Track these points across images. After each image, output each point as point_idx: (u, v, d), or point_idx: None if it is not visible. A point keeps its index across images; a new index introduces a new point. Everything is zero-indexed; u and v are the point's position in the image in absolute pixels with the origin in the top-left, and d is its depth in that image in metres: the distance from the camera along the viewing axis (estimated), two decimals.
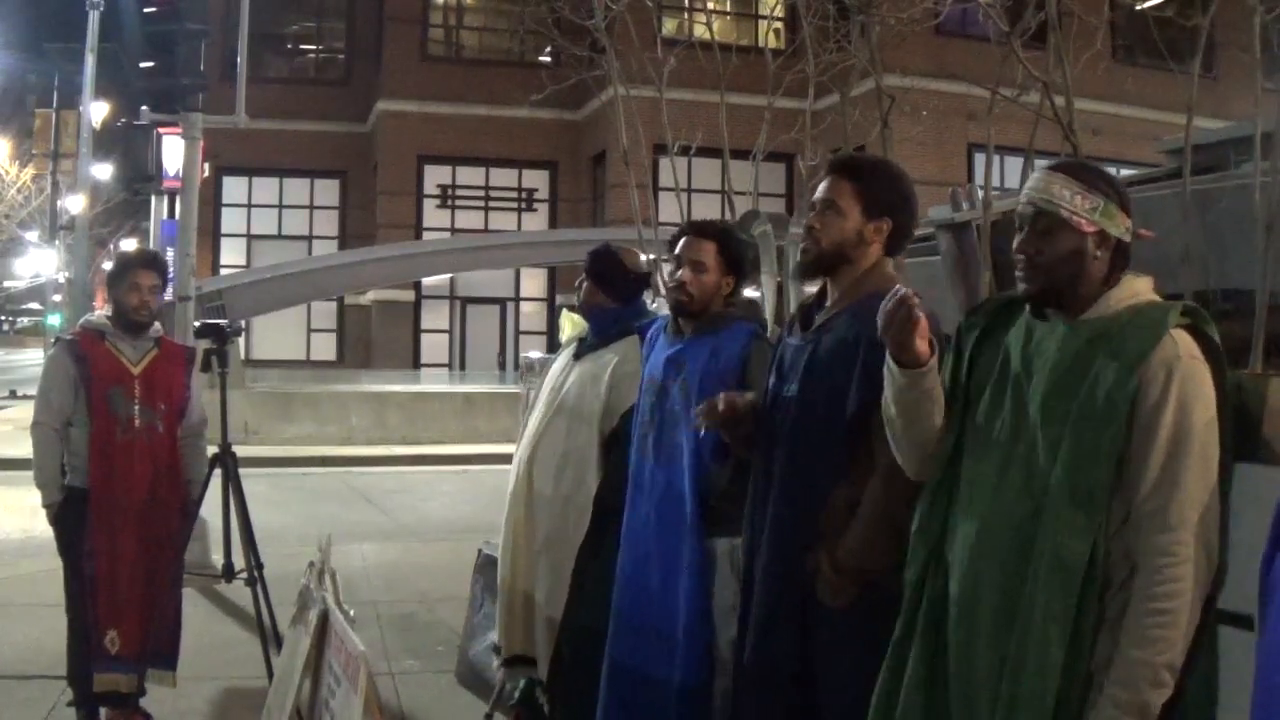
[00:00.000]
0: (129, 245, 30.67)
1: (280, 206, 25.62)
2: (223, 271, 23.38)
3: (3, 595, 6.11)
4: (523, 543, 3.67)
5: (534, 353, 12.69)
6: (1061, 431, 1.96)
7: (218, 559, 5.55)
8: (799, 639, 2.48)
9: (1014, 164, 7.47)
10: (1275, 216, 3.54)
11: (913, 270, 2.95)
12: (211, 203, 23.03)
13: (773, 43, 15.54)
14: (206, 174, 15.20)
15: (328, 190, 25.93)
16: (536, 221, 24.50)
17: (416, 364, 23.68)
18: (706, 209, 15.52)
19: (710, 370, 3.01)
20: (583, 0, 7.82)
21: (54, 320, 30.64)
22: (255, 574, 4.85)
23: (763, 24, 20.52)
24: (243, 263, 24.39)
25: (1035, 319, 2.11)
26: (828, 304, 2.63)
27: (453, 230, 23.80)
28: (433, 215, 24.17)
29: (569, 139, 23.84)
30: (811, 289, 4.46)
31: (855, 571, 2.36)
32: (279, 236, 25.39)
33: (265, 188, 25.38)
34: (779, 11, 16.53)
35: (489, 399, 15.39)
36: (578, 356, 3.72)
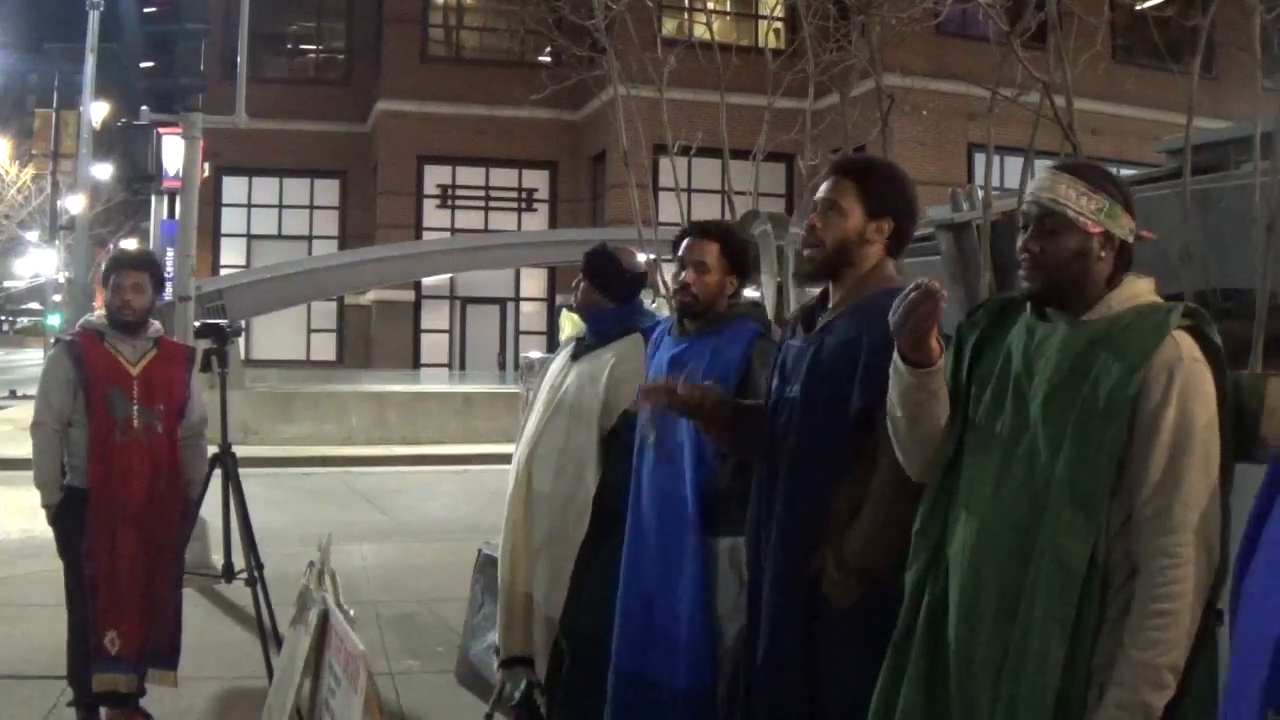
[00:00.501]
0: (129, 245, 30.69)
1: (280, 206, 25.64)
2: (223, 271, 23.40)
3: (3, 595, 6.11)
4: (522, 543, 3.67)
5: (534, 353, 12.69)
6: (1063, 432, 1.96)
7: (218, 559, 5.55)
8: (807, 640, 2.48)
9: (1014, 164, 7.47)
10: (1275, 216, 3.54)
11: (913, 270, 2.94)
12: (211, 203, 23.05)
13: (773, 43, 15.54)
14: (206, 174, 15.21)
15: (328, 190, 25.95)
16: (536, 221, 24.51)
17: (416, 364, 23.69)
18: (706, 209, 15.52)
19: (712, 369, 3.01)
20: (583, 0, 7.82)
21: (54, 320, 30.64)
22: (255, 574, 4.85)
23: (763, 24, 20.52)
24: (243, 263, 24.40)
25: (1036, 319, 2.11)
26: (830, 305, 2.63)
27: (453, 230, 23.81)
28: (433, 215, 24.19)
29: (569, 139, 23.85)
30: (813, 291, 4.47)
31: (860, 571, 2.36)
32: (279, 236, 25.40)
33: (265, 188, 25.39)
34: (779, 11, 16.53)
35: (489, 399, 15.39)
36: (575, 356, 3.72)
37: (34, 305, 53.98)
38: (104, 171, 27.07)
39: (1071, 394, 1.97)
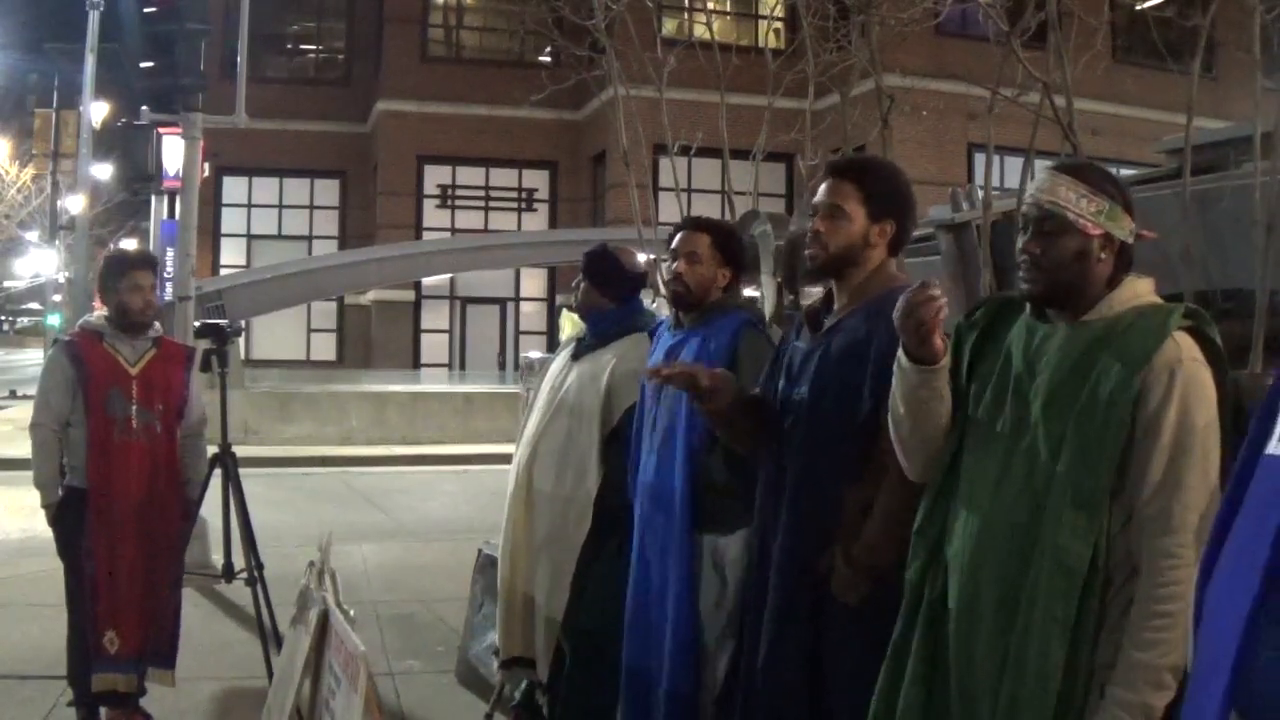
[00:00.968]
0: (129, 245, 30.64)
1: (280, 206, 25.63)
2: (223, 271, 23.39)
3: (3, 595, 6.11)
4: (523, 544, 3.67)
5: (534, 353, 12.69)
6: (1063, 433, 1.96)
7: (218, 559, 5.55)
8: (812, 640, 2.48)
9: (1014, 164, 7.47)
10: (1275, 216, 3.54)
11: (912, 270, 2.95)
12: (211, 203, 23.04)
13: (773, 43, 15.53)
14: (206, 174, 15.20)
15: (328, 190, 25.94)
16: (536, 221, 24.50)
17: (416, 364, 23.68)
18: (706, 209, 15.46)
19: (701, 357, 3.04)
20: (583, 0, 7.82)
21: (54, 320, 30.63)
22: (255, 574, 4.85)
23: (763, 24, 20.51)
24: (243, 263, 24.40)
25: (1036, 319, 2.11)
26: (835, 307, 2.63)
27: (453, 230, 23.80)
28: (433, 215, 24.18)
29: (569, 139, 23.84)
30: (812, 288, 4.46)
31: (869, 568, 2.36)
32: (279, 236, 25.39)
33: (265, 188, 25.38)
34: (779, 11, 16.53)
35: (489, 399, 15.38)
36: (576, 357, 3.73)
37: (34, 305, 53.97)
38: (104, 171, 27.07)
39: (1072, 394, 1.97)
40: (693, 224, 3.30)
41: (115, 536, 3.99)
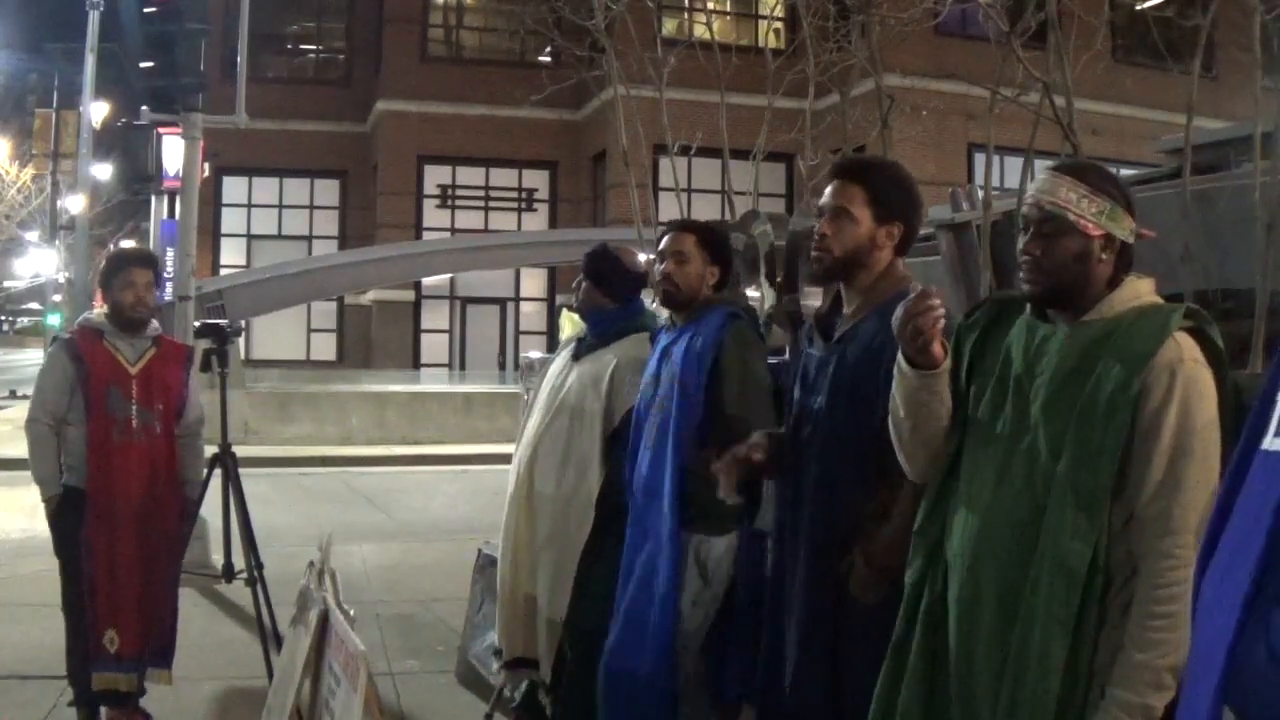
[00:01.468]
0: (129, 245, 30.62)
1: (280, 206, 25.62)
2: (223, 271, 23.38)
3: (3, 595, 6.11)
4: (524, 545, 3.67)
5: (534, 353, 12.68)
6: (1064, 433, 1.96)
7: (218, 559, 5.55)
8: (836, 644, 2.49)
9: (1014, 164, 7.47)
10: (1275, 216, 3.54)
11: (912, 270, 2.94)
12: (211, 203, 23.03)
13: (773, 43, 15.53)
14: (206, 174, 15.19)
15: (328, 190, 25.93)
16: (536, 221, 24.50)
17: (416, 364, 23.68)
18: (706, 209, 15.51)
19: (689, 354, 3.07)
20: (583, 0, 7.82)
21: (54, 320, 30.63)
22: (255, 574, 4.85)
23: (763, 24, 20.51)
24: (243, 263, 24.39)
25: (1037, 319, 2.11)
26: (845, 311, 2.61)
27: (453, 230, 23.80)
28: (433, 215, 24.18)
29: (569, 139, 23.84)
30: (812, 288, 4.45)
31: (887, 569, 2.36)
32: (279, 236, 25.39)
33: (265, 188, 25.37)
34: (779, 11, 16.52)
35: (489, 399, 15.39)
36: (576, 357, 3.72)
37: (34, 305, 53.95)
38: (104, 171, 27.05)
39: (1072, 395, 1.97)
40: (679, 225, 3.36)
41: (115, 536, 3.99)
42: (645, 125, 7.41)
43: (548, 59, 20.68)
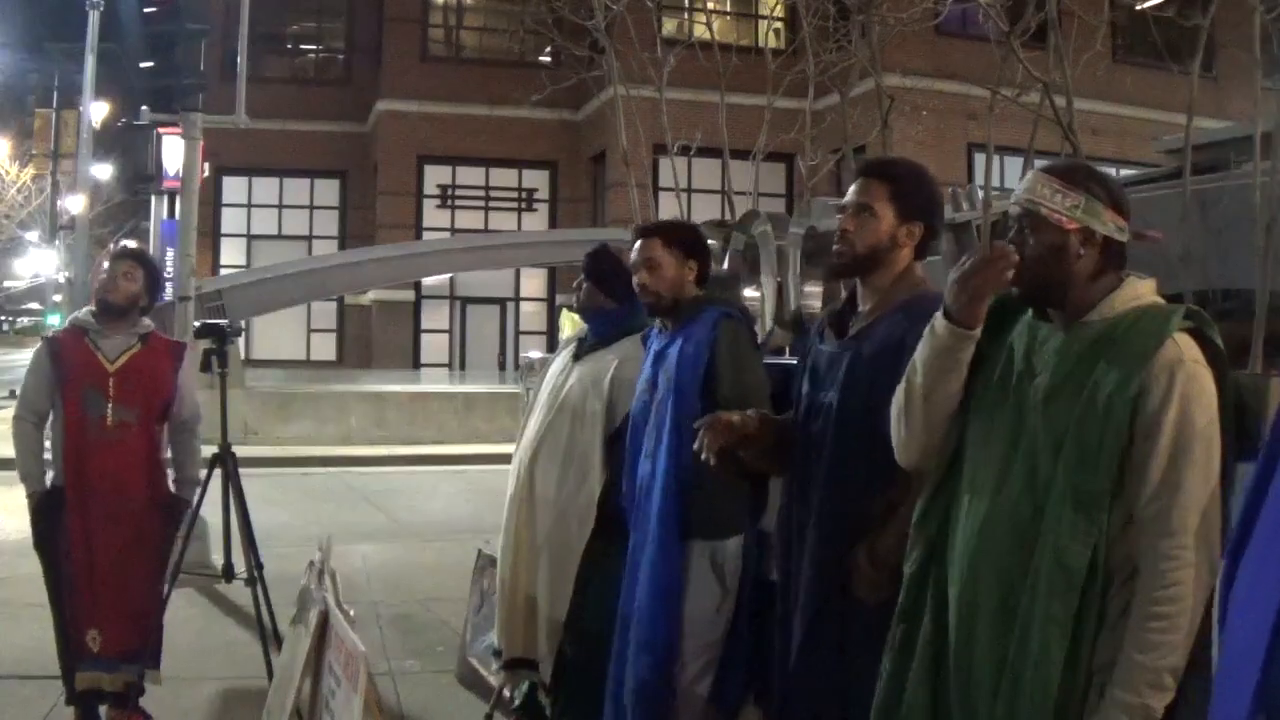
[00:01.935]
0: (129, 244, 30.54)
1: (280, 206, 25.61)
2: (223, 271, 23.37)
3: (3, 595, 6.10)
4: (524, 545, 3.66)
5: (534, 353, 12.70)
6: (1063, 434, 1.96)
7: (218, 559, 5.55)
8: (842, 643, 2.49)
9: (1014, 164, 7.47)
10: (1275, 216, 3.54)
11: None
12: (211, 203, 23.02)
13: (773, 43, 15.53)
14: (206, 174, 15.20)
15: (328, 190, 25.93)
16: (536, 221, 24.50)
17: (416, 364, 23.67)
18: (706, 209, 15.51)
19: (684, 356, 3.05)
20: (583, 0, 7.82)
21: (54, 320, 30.65)
22: (255, 574, 4.85)
23: (763, 24, 20.51)
24: (243, 263, 24.38)
25: (1038, 319, 2.11)
26: (861, 309, 2.61)
27: (453, 230, 23.80)
28: (433, 215, 24.17)
29: (569, 139, 23.84)
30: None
31: (894, 569, 2.36)
32: (279, 236, 25.38)
33: (265, 188, 25.37)
34: (779, 11, 16.52)
35: (489, 399, 15.37)
36: (577, 357, 3.72)
37: (34, 305, 53.96)
38: (104, 171, 27.07)
39: (1072, 395, 1.97)
40: (640, 232, 3.30)
41: (91, 535, 3.94)
42: (645, 125, 7.42)
43: (548, 59, 20.70)
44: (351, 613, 2.64)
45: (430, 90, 23.56)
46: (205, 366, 5.08)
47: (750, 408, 2.87)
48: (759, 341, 3.41)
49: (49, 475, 4.04)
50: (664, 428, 3.06)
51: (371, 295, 23.40)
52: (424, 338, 24.24)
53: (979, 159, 18.67)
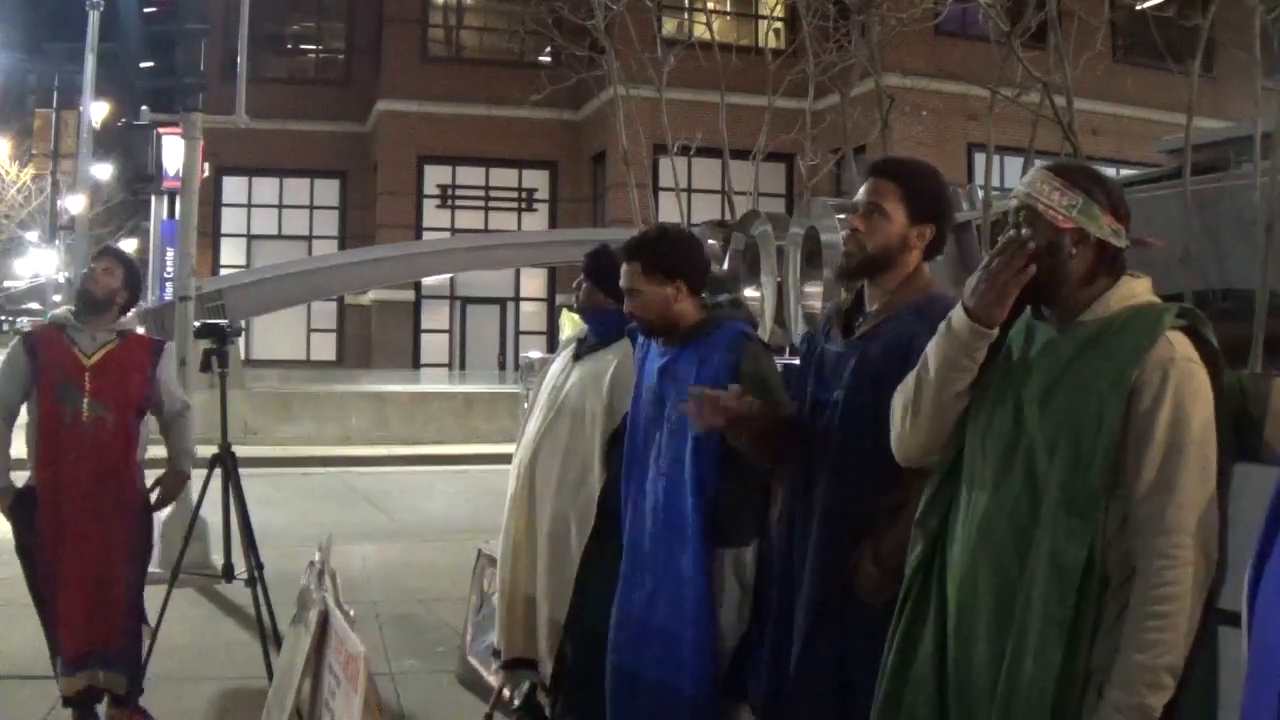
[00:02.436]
0: (129, 245, 30.61)
1: (280, 206, 25.63)
2: (223, 271, 23.38)
3: (3, 595, 6.10)
4: (524, 546, 3.66)
5: (534, 353, 12.67)
6: (1057, 433, 1.95)
7: (218, 559, 5.55)
8: (843, 643, 2.48)
9: (1014, 164, 7.47)
10: (1275, 216, 3.54)
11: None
12: (211, 203, 23.03)
13: (773, 43, 15.54)
14: (206, 174, 15.20)
15: (328, 190, 25.94)
16: (536, 221, 24.50)
17: (416, 364, 23.68)
18: (706, 209, 15.51)
19: (702, 378, 2.95)
20: (583, 0, 7.82)
21: None
22: (255, 574, 4.84)
23: (763, 24, 20.52)
24: (243, 263, 24.39)
25: (1036, 319, 2.11)
26: (869, 309, 2.59)
27: (453, 230, 23.80)
28: (433, 215, 24.18)
29: (569, 139, 23.84)
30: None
31: (896, 570, 2.36)
32: (279, 236, 25.40)
33: (265, 188, 25.38)
34: (779, 11, 16.53)
35: (489, 399, 15.38)
36: (577, 357, 3.72)
37: (34, 305, 53.92)
38: (104, 171, 27.08)
39: (1066, 395, 1.97)
40: (623, 254, 3.13)
41: (61, 535, 3.91)
42: (645, 125, 7.42)
43: (548, 59, 20.67)
44: (351, 613, 2.64)
45: (430, 90, 23.57)
46: (205, 366, 5.08)
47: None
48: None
49: (26, 475, 3.98)
50: (684, 449, 2.97)
51: (371, 295, 23.40)
52: (424, 338, 24.25)
53: (979, 159, 18.67)
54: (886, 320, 2.53)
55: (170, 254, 19.80)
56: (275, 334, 23.72)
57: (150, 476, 4.19)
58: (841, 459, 2.51)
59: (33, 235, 34.70)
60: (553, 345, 19.75)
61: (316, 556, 2.87)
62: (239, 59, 8.32)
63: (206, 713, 4.45)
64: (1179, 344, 1.93)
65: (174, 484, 4.29)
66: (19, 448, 4.04)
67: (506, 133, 23.15)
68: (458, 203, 24.34)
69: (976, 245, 4.87)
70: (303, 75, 26.47)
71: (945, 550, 2.13)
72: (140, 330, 4.32)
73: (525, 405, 5.03)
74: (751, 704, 2.92)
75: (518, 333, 24.49)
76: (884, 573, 2.39)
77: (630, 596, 3.11)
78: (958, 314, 2.09)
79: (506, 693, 4.04)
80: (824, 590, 2.51)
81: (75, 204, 22.45)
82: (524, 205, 24.71)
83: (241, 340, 17.83)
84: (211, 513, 5.62)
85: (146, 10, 7.65)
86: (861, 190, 2.58)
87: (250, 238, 25.30)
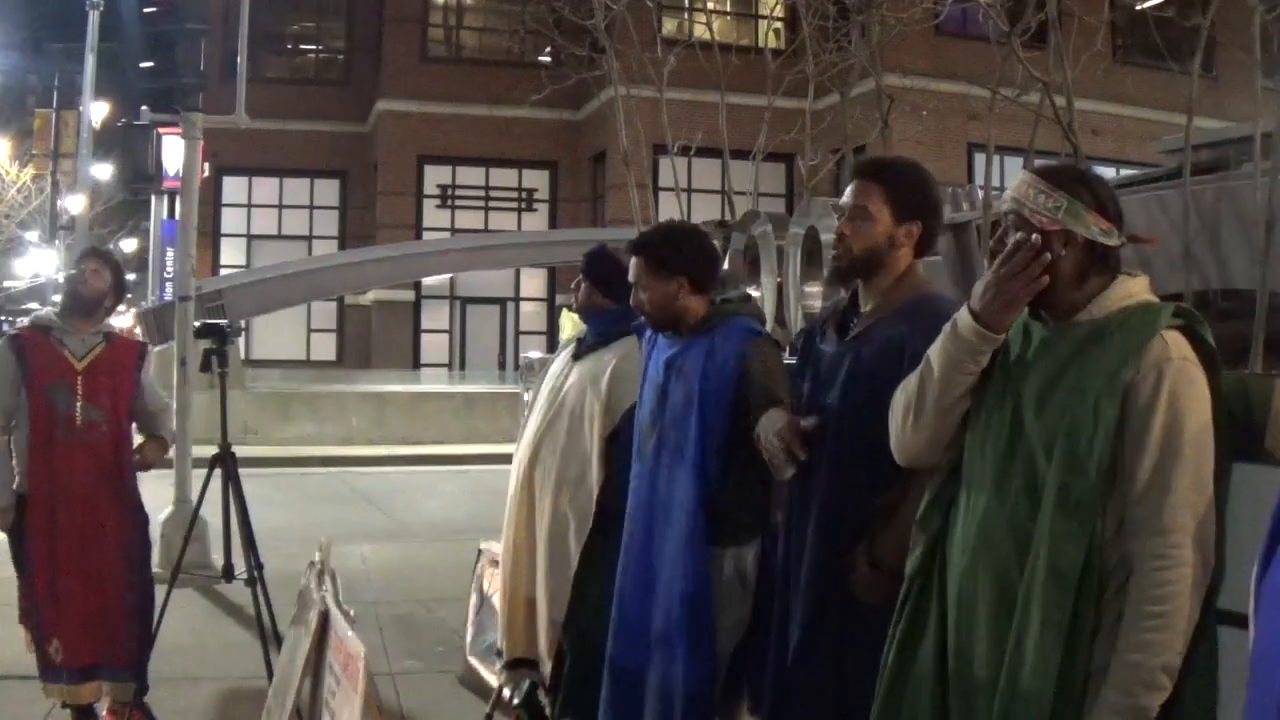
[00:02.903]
0: (129, 245, 30.63)
1: (280, 206, 25.62)
2: (223, 271, 23.37)
3: (3, 595, 6.10)
4: (524, 545, 3.66)
5: (534, 353, 12.67)
6: (1054, 434, 1.95)
7: (218, 559, 5.55)
8: (841, 642, 2.48)
9: (1014, 164, 7.47)
10: (1275, 216, 3.54)
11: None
12: (211, 203, 23.03)
13: (773, 43, 15.53)
14: (206, 174, 15.20)
15: (328, 190, 25.93)
16: (536, 221, 24.50)
17: (416, 364, 23.68)
18: (706, 209, 15.51)
19: (709, 371, 2.98)
20: (583, 0, 7.82)
21: None
22: (255, 574, 4.84)
23: (763, 24, 20.51)
24: (243, 263, 24.38)
25: (1033, 319, 2.11)
26: (863, 310, 2.59)
27: (453, 230, 23.80)
28: (433, 215, 24.18)
29: (569, 139, 23.84)
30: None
31: (893, 570, 2.35)
32: (279, 236, 25.39)
33: (265, 188, 25.38)
34: (779, 11, 16.53)
35: (489, 399, 15.38)
36: (577, 357, 3.72)
37: (34, 305, 53.85)
38: (104, 171, 27.05)
39: (1062, 396, 1.96)
40: (629, 249, 3.18)
41: (56, 541, 3.87)
42: (645, 125, 7.41)
43: (548, 59, 20.66)
44: (351, 613, 2.64)
45: (430, 90, 23.57)
46: (205, 366, 5.08)
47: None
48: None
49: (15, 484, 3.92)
50: (687, 443, 2.98)
51: (371, 295, 23.40)
52: (424, 338, 24.25)
53: (979, 159, 18.67)
54: (879, 322, 2.53)
55: (170, 254, 19.81)
56: (275, 334, 23.71)
57: (143, 479, 4.17)
58: (838, 460, 2.51)
59: (33, 235, 34.66)
60: (553, 345, 19.76)
61: (316, 556, 2.87)
62: (239, 59, 8.32)
63: (206, 713, 4.45)
64: (1175, 343, 1.92)
65: (154, 449, 4.20)
66: None
67: (506, 133, 23.14)
68: (458, 203, 24.34)
69: (976, 245, 4.88)
70: (303, 75, 26.46)
71: (946, 551, 2.13)
72: (126, 328, 4.29)
73: (525, 405, 5.03)
74: (751, 703, 2.93)
75: (518, 333, 24.49)
76: (879, 573, 2.39)
77: (630, 595, 3.11)
78: (964, 317, 2.07)
79: (507, 692, 4.04)
80: (821, 589, 2.51)
81: (75, 204, 22.44)
82: (524, 205, 24.70)
83: (241, 340, 17.84)
84: (211, 513, 5.61)
85: (146, 10, 7.64)
86: (846, 193, 2.59)
87: (250, 238, 25.30)
